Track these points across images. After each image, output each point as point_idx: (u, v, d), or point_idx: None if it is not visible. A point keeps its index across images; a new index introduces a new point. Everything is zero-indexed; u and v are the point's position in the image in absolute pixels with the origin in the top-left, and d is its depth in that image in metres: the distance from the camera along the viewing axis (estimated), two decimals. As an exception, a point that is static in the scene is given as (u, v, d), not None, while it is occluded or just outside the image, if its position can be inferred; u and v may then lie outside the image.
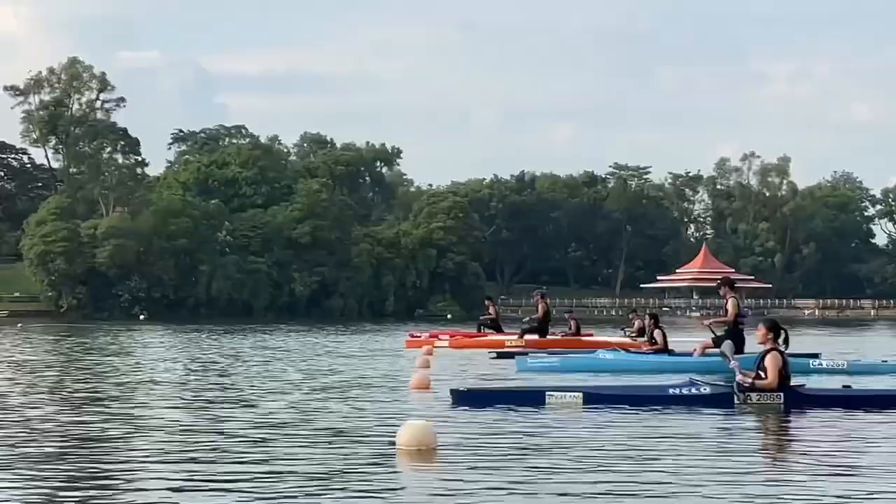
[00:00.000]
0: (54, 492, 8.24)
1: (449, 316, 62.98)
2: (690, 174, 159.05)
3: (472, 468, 9.20)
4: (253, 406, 14.55)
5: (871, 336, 53.30)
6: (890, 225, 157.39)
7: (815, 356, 22.87)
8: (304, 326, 61.63)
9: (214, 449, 10.39)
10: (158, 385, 18.22)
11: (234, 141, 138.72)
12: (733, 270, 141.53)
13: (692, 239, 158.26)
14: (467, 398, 14.24)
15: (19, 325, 60.71)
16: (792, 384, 13.90)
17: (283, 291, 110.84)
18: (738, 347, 20.41)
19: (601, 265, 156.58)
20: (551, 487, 8.35)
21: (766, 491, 8.35)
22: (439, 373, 19.88)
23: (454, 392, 14.54)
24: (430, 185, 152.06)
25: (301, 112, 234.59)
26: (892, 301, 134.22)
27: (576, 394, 14.12)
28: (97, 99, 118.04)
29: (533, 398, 14.17)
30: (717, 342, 20.91)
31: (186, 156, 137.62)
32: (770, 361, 13.74)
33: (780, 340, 13.93)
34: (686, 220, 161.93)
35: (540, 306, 31.25)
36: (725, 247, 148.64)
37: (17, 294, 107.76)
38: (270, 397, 15.86)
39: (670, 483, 8.62)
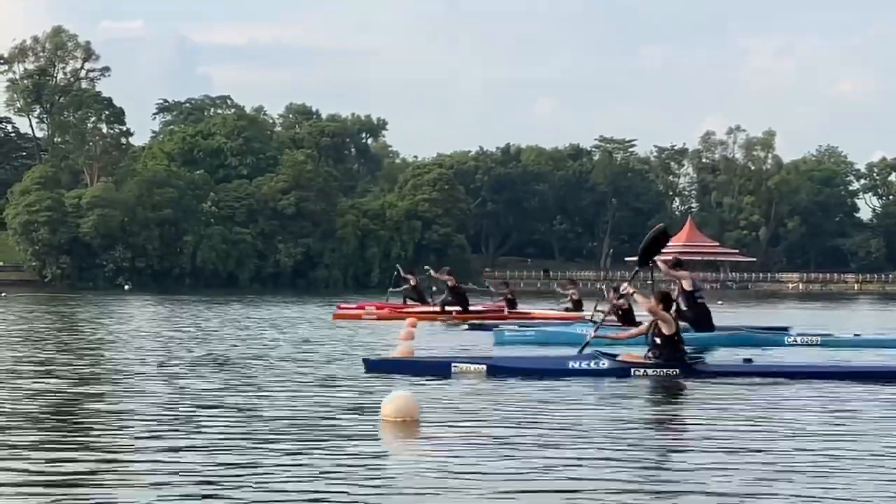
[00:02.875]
0: None
1: (434, 288, 62.97)
2: (676, 147, 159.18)
3: (454, 439, 9.25)
4: (236, 375, 14.56)
5: (849, 310, 53.56)
6: (874, 199, 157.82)
7: (786, 329, 23.07)
8: (289, 297, 61.65)
9: (195, 420, 10.41)
10: (129, 356, 18.17)
11: (220, 111, 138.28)
12: (718, 244, 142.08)
13: (677, 212, 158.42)
14: (378, 367, 14.76)
15: (3, 294, 60.61)
16: (689, 357, 14.11)
17: (268, 262, 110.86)
18: (705, 321, 20.63)
19: (586, 238, 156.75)
20: (534, 456, 8.40)
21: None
22: (423, 345, 19.95)
23: (366, 361, 15.12)
24: (416, 157, 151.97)
25: (286, 83, 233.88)
26: (875, 275, 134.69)
27: (480, 365, 14.45)
28: (82, 68, 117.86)
29: (439, 368, 14.54)
30: (682, 317, 21.02)
31: (171, 126, 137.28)
32: (658, 323, 14.01)
33: (671, 311, 14.22)
34: (671, 193, 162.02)
35: (449, 280, 32.30)
36: (710, 220, 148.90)
37: (0, 264, 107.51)
38: (252, 368, 15.85)
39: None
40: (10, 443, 8.93)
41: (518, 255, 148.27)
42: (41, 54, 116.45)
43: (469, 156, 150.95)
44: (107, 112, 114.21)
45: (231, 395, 12.29)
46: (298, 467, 8.01)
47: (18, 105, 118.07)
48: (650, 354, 14.04)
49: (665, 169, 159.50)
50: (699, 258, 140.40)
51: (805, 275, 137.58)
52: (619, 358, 14.28)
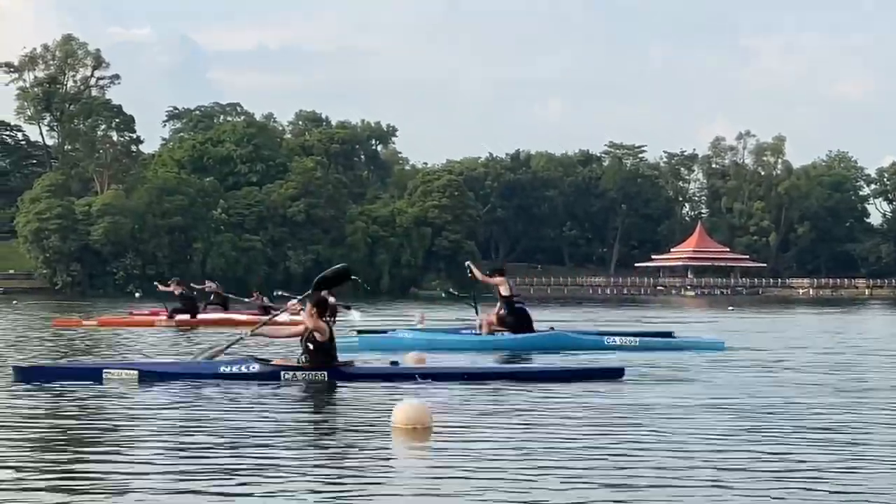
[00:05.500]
0: None
1: (443, 294, 62.97)
2: (685, 153, 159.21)
3: (467, 446, 9.22)
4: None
5: (858, 315, 53.36)
6: (885, 204, 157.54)
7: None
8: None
9: (200, 425, 10.39)
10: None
11: (229, 118, 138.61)
12: (728, 249, 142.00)
13: (687, 218, 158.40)
14: (30, 374, 14.35)
15: (14, 301, 60.69)
16: (339, 361, 14.33)
17: (278, 269, 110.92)
18: (524, 324, 21.55)
19: (596, 244, 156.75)
20: (551, 464, 8.38)
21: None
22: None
23: (17, 369, 14.69)
24: (426, 163, 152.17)
25: (294, 88, 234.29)
26: (886, 280, 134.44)
27: (131, 371, 14.37)
28: (92, 76, 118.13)
29: (91, 374, 14.34)
30: (501, 320, 21.62)
31: (181, 133, 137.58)
32: (316, 326, 14.21)
33: (327, 316, 14.42)
34: (681, 199, 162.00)
35: (176, 290, 32.41)
36: (720, 226, 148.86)
37: (11, 271, 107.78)
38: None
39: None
40: None
41: (528, 261, 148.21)
42: (51, 62, 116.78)
43: (478, 162, 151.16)
44: (117, 120, 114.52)
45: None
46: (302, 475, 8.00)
47: (29, 113, 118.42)
48: (302, 358, 14.26)
49: (675, 175, 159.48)
50: (709, 264, 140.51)
51: (815, 280, 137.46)
52: (272, 362, 14.49)
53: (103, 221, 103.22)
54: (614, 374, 14.97)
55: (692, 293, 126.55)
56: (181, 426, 10.35)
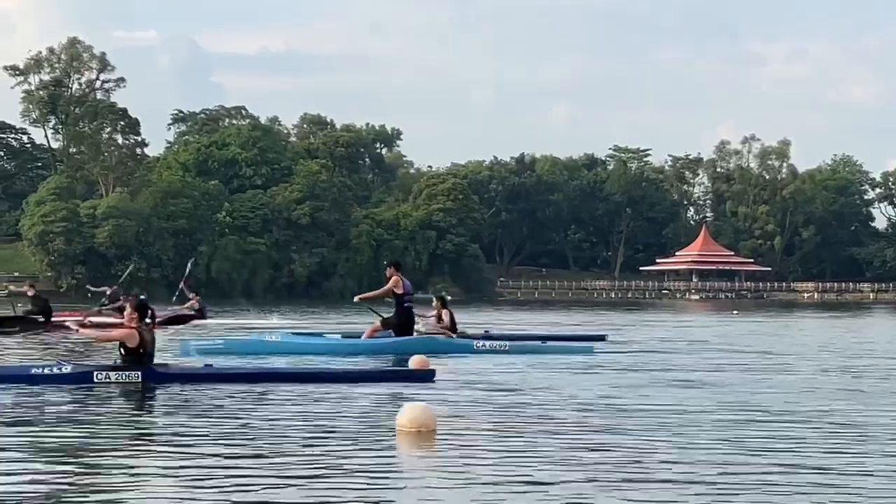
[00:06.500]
0: None
1: (449, 297, 62.65)
2: (690, 157, 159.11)
3: (471, 449, 9.23)
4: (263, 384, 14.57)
5: (863, 319, 53.25)
6: (889, 208, 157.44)
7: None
8: (303, 308, 61.55)
9: (207, 430, 10.41)
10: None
11: (234, 122, 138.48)
12: (733, 253, 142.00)
13: (692, 222, 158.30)
14: None
15: (19, 305, 60.54)
16: (155, 363, 14.38)
17: (283, 272, 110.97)
18: (408, 325, 21.01)
19: (600, 248, 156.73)
20: (561, 463, 8.39)
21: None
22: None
23: None
24: (430, 166, 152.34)
25: (299, 91, 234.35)
26: (891, 285, 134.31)
27: None
28: (97, 79, 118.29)
29: None
30: (386, 324, 21.12)
31: (186, 136, 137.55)
32: (124, 335, 14.24)
33: (147, 319, 14.41)
34: (686, 202, 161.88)
35: (29, 291, 32.57)
36: (725, 229, 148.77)
37: (16, 274, 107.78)
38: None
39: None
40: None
41: (533, 264, 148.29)
42: (56, 65, 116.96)
43: (483, 165, 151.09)
44: (122, 123, 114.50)
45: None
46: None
47: (34, 116, 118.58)
48: (117, 360, 14.34)
49: (679, 178, 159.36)
50: (714, 267, 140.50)
51: (820, 284, 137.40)
52: (83, 362, 14.51)
53: (108, 224, 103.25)
54: (425, 378, 15.03)
55: (696, 297, 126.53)
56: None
